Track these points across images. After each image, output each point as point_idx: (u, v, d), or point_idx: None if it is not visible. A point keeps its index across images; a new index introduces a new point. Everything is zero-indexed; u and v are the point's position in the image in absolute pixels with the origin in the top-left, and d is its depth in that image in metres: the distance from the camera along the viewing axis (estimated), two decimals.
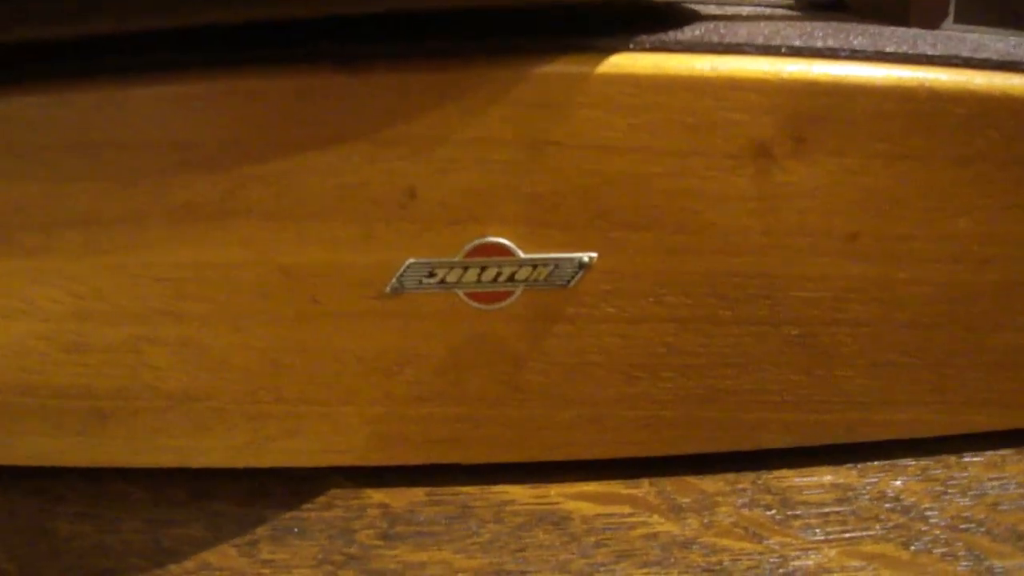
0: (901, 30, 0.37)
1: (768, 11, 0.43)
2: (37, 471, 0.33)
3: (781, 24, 0.36)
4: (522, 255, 0.29)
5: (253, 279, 0.30)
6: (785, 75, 0.29)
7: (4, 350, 0.31)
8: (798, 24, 0.36)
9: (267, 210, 0.29)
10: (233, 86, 0.28)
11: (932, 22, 0.40)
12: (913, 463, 0.35)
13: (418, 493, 0.32)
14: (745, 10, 0.41)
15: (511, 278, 0.30)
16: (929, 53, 0.31)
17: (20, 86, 0.28)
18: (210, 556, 0.31)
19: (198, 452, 0.32)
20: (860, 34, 0.34)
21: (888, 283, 0.32)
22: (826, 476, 0.34)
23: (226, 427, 0.32)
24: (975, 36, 0.37)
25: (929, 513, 0.32)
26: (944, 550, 0.31)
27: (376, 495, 0.32)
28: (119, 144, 0.28)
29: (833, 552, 0.31)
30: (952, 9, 0.40)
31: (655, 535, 0.31)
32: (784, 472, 0.34)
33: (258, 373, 0.31)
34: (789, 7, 0.48)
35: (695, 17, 0.35)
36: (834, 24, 0.37)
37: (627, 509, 0.32)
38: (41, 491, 0.33)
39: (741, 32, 0.33)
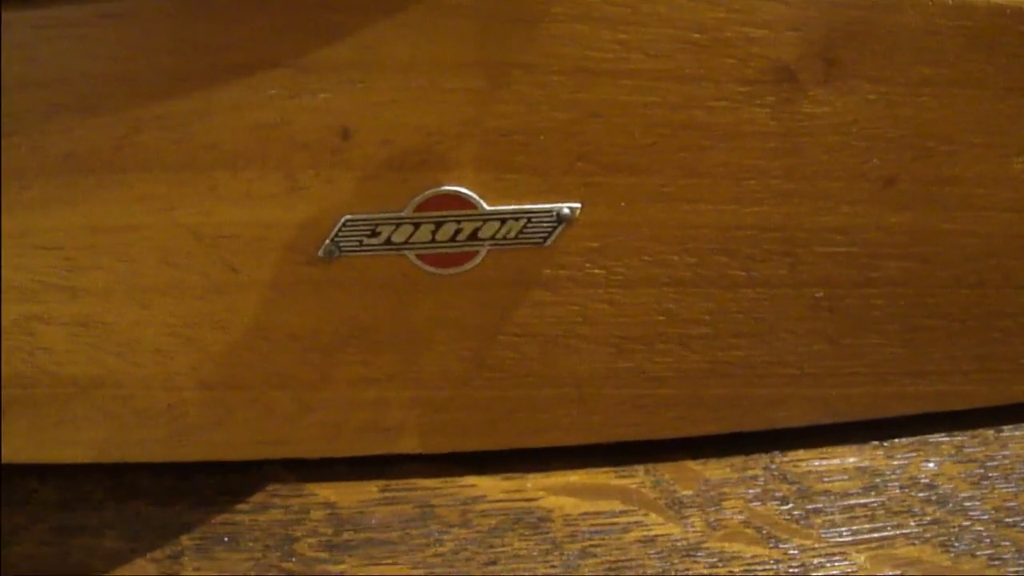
0: None
1: None
2: None
3: None
4: (486, 207, 0.24)
5: (156, 244, 0.24)
6: None
7: None
8: None
9: (168, 160, 0.23)
10: (119, 6, 0.22)
11: None
12: (947, 440, 0.30)
13: (370, 488, 0.27)
14: None
15: (473, 235, 0.24)
16: None
17: None
18: (125, 572, 0.26)
19: (110, 445, 0.27)
20: None
21: (929, 235, 0.27)
22: (849, 458, 0.29)
23: (139, 417, 0.27)
24: None
25: (969, 504, 0.28)
26: (990, 551, 0.26)
27: (321, 491, 0.27)
28: None
29: (862, 557, 0.26)
30: None
31: (652, 540, 0.26)
32: (800, 454, 0.29)
33: (172, 354, 0.26)
34: None
35: None
36: None
37: (618, 506, 0.27)
38: None
39: None
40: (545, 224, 0.24)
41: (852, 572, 0.25)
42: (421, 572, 0.25)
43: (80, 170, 0.24)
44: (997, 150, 0.26)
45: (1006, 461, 0.29)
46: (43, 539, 0.27)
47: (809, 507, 0.28)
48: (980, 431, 0.30)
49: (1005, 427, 0.30)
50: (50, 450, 0.28)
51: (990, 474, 0.29)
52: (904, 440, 0.30)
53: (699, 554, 0.26)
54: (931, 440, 0.30)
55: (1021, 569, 0.26)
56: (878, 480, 0.28)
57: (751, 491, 0.28)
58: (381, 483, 0.27)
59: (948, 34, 0.24)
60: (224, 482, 0.27)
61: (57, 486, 0.28)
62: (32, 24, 0.23)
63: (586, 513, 0.27)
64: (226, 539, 0.26)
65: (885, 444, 0.29)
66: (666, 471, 0.28)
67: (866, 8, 0.24)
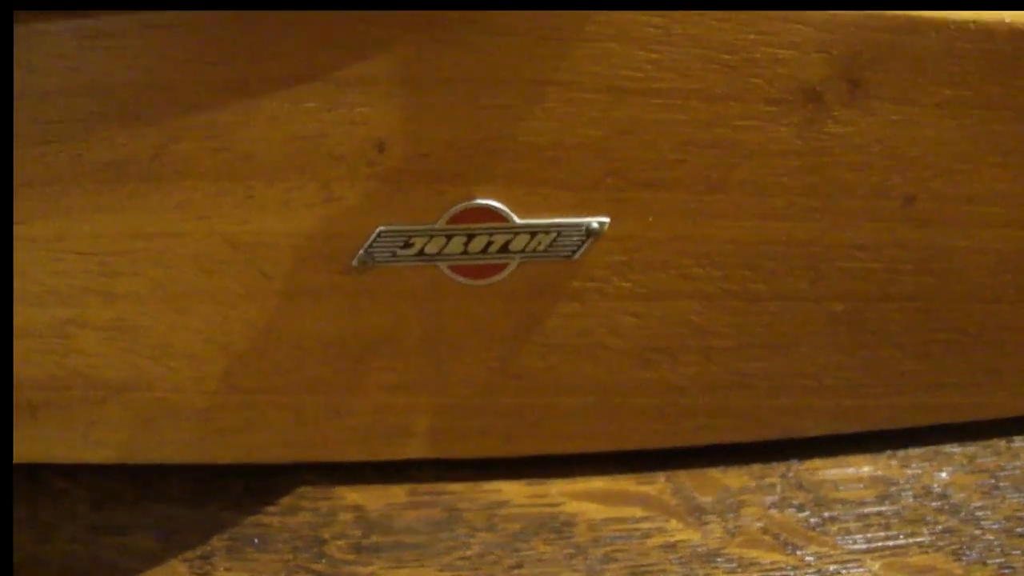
0: None
1: None
2: None
3: None
4: (517, 220, 0.24)
5: (192, 252, 0.25)
6: (845, 3, 0.24)
7: None
8: None
9: (206, 169, 0.24)
10: (161, 18, 0.23)
11: None
12: (959, 450, 0.30)
13: (397, 493, 0.28)
14: None
15: (504, 248, 0.25)
16: None
17: None
18: (158, 574, 0.26)
19: (143, 447, 0.28)
20: None
21: (947, 252, 0.27)
22: (864, 467, 0.30)
23: (172, 419, 0.27)
24: None
25: (981, 514, 0.28)
26: (1001, 560, 0.27)
27: (349, 495, 0.28)
28: (22, 93, 0.23)
29: (877, 565, 0.27)
30: None
31: (673, 546, 0.27)
32: (816, 463, 0.30)
33: (204, 359, 0.26)
34: None
35: None
36: None
37: (640, 512, 0.28)
38: None
39: None
40: (574, 238, 0.25)
41: None
42: (448, 575, 0.26)
43: (119, 178, 0.24)
44: (1014, 169, 0.26)
45: (1016, 472, 0.30)
46: (74, 538, 0.28)
47: (825, 515, 0.28)
48: (992, 441, 0.31)
49: (1016, 438, 0.31)
50: (83, 450, 0.28)
51: (1001, 484, 0.29)
52: (918, 450, 0.30)
53: (719, 560, 0.27)
54: (944, 450, 0.30)
55: None
56: (892, 489, 0.29)
57: (769, 499, 0.28)
58: (408, 487, 0.28)
59: (969, 56, 0.25)
60: (254, 484, 0.28)
61: (88, 486, 0.29)
62: (74, 33, 0.23)
63: (609, 519, 0.27)
64: (256, 540, 0.27)
65: (899, 454, 0.30)
66: (686, 478, 0.29)
67: (891, 31, 0.24)
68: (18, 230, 0.25)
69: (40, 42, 0.23)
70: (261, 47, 0.23)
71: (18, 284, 0.26)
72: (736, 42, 0.23)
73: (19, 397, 0.27)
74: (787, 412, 0.29)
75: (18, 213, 0.25)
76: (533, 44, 0.23)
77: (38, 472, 0.29)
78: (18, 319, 0.26)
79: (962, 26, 0.25)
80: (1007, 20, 0.25)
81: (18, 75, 0.23)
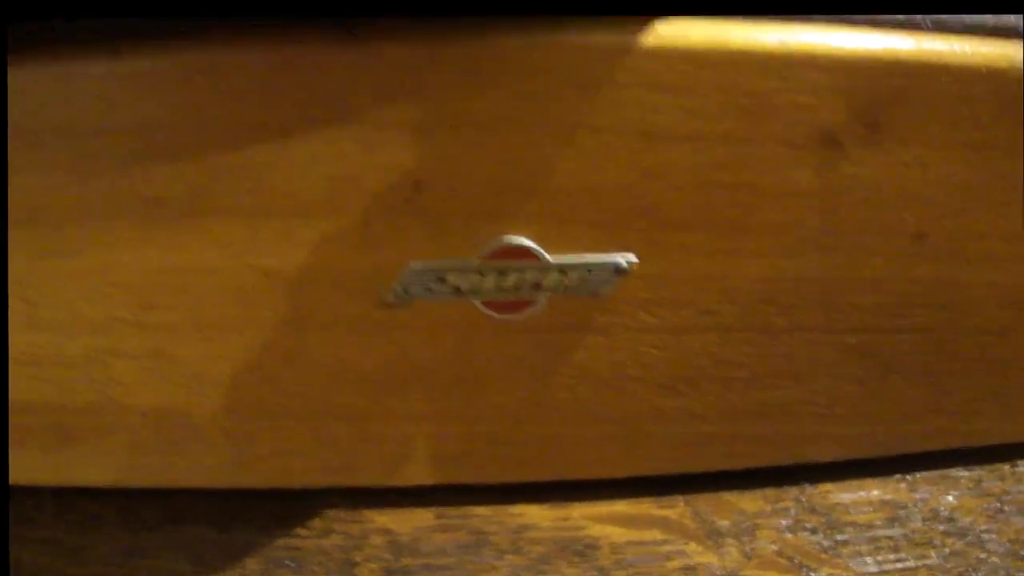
0: None
1: None
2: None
3: None
4: (549, 258, 0.25)
5: (229, 284, 0.26)
6: (860, 51, 0.25)
7: None
8: None
9: (245, 206, 0.25)
10: (201, 60, 0.24)
11: None
12: (965, 474, 0.31)
13: (426, 516, 0.29)
14: None
15: (536, 285, 0.25)
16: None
17: None
18: None
19: (176, 472, 0.29)
20: None
21: (956, 286, 0.28)
22: (874, 491, 0.31)
23: (204, 444, 0.28)
24: None
25: (986, 536, 0.29)
26: None
27: (379, 518, 0.29)
28: (67, 130, 0.24)
29: None
30: None
31: (693, 568, 0.28)
32: (829, 486, 0.31)
33: (238, 387, 0.27)
34: None
35: None
36: None
37: (660, 535, 0.29)
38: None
39: None
40: (603, 275, 0.25)
41: None
42: None
43: (158, 213, 0.25)
44: (1021, 206, 0.27)
45: (1021, 495, 0.31)
46: (107, 560, 0.28)
47: (838, 538, 0.29)
48: (997, 465, 0.32)
49: (1020, 462, 0.32)
50: (116, 475, 0.29)
51: (1006, 508, 0.31)
52: (926, 474, 0.31)
53: None
54: (951, 474, 0.31)
55: None
56: (901, 512, 0.30)
57: (783, 522, 0.29)
58: (435, 511, 0.29)
59: (981, 100, 0.26)
60: (285, 508, 0.29)
61: (121, 509, 0.29)
62: (115, 74, 0.24)
63: (630, 542, 0.28)
64: (289, 563, 0.28)
65: (908, 478, 0.31)
66: (704, 502, 0.30)
67: (908, 76, 0.25)
68: (57, 262, 0.26)
69: (82, 81, 0.24)
70: (299, 88, 0.24)
71: (54, 313, 0.26)
72: (759, 89, 0.24)
73: (53, 422, 0.28)
74: (801, 438, 0.30)
75: (58, 245, 0.25)
76: (567, 89, 0.24)
77: (71, 496, 0.29)
78: (54, 348, 0.27)
79: (975, 71, 0.26)
80: (1017, 64, 0.26)
81: (60, 112, 0.24)
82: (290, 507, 0.29)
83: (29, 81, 0.23)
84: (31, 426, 0.28)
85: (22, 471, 0.28)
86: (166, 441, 0.28)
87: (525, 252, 0.25)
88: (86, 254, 0.25)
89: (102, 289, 0.26)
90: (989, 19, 0.27)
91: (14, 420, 0.28)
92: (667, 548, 0.28)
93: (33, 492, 0.29)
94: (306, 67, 0.24)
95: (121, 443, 0.28)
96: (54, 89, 0.23)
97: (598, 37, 0.23)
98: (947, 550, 0.29)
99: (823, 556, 0.29)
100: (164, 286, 0.26)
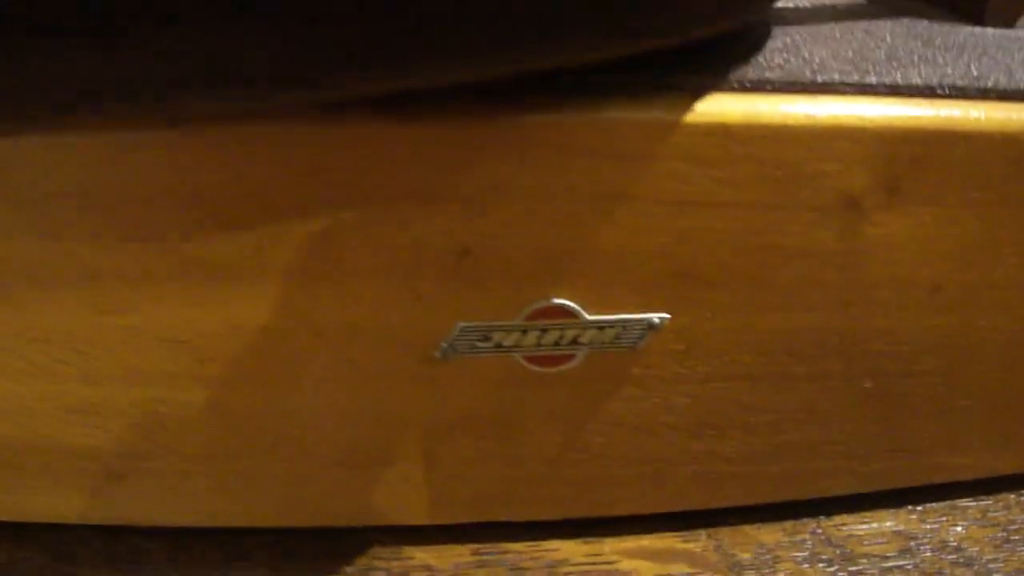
0: (983, 36, 0.34)
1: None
2: (52, 527, 0.30)
3: (859, 32, 0.32)
4: (587, 317, 0.27)
5: (284, 341, 0.27)
6: (883, 121, 0.26)
7: (9, 409, 0.28)
8: (875, 30, 0.33)
9: (301, 270, 0.26)
10: (262, 133, 0.25)
11: (1008, 20, 0.37)
12: (973, 504, 0.33)
13: (463, 552, 0.30)
14: (806, 1, 0.38)
15: (574, 341, 0.27)
16: None
17: (17, 128, 0.24)
18: None
19: (222, 512, 0.30)
20: (945, 47, 0.31)
21: (967, 332, 0.30)
22: (887, 522, 0.32)
23: (253, 487, 0.30)
24: None
25: (993, 566, 0.31)
26: None
27: (419, 554, 0.30)
28: (129, 195, 0.25)
29: None
30: None
31: None
32: (844, 518, 0.32)
33: (288, 435, 0.28)
34: None
35: (766, 26, 0.31)
36: (910, 27, 0.34)
37: (686, 568, 0.30)
38: (56, 548, 0.30)
39: (822, 52, 0.29)
40: (637, 331, 0.27)
41: None
42: None
43: (215, 276, 0.26)
44: None
45: None
46: None
47: (852, 569, 0.31)
48: (1003, 495, 0.34)
49: None
50: (162, 514, 0.30)
51: (1012, 538, 0.32)
52: (935, 505, 0.33)
53: None
54: (959, 505, 0.33)
55: None
56: (912, 544, 0.32)
57: (800, 554, 0.31)
58: (472, 547, 0.30)
59: (994, 163, 0.27)
60: (332, 546, 0.30)
61: (169, 547, 0.31)
62: (176, 144, 0.25)
63: None
64: None
65: (919, 509, 0.33)
66: (726, 535, 0.31)
67: (925, 143, 0.27)
68: (114, 319, 0.27)
69: (146, 149, 0.25)
70: (356, 161, 0.25)
71: (108, 366, 0.28)
72: (787, 159, 0.26)
73: (102, 466, 0.29)
74: (818, 474, 0.31)
75: (113, 304, 0.27)
76: (606, 162, 0.25)
77: (121, 533, 0.31)
78: (105, 396, 0.28)
79: (988, 136, 0.27)
80: None
81: (124, 179, 0.25)
82: (336, 545, 0.30)
83: (89, 147, 0.25)
84: (82, 469, 0.29)
85: (71, 512, 0.30)
86: (218, 484, 0.30)
87: (565, 311, 0.26)
88: (142, 312, 0.27)
89: (157, 345, 0.27)
90: (1001, 80, 0.28)
91: (66, 464, 0.29)
92: None
93: (76, 530, 0.31)
94: (363, 142, 0.25)
95: (171, 485, 0.30)
96: (114, 156, 0.25)
97: (635, 114, 0.25)
98: None
99: None
100: (218, 342, 0.27)
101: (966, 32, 0.35)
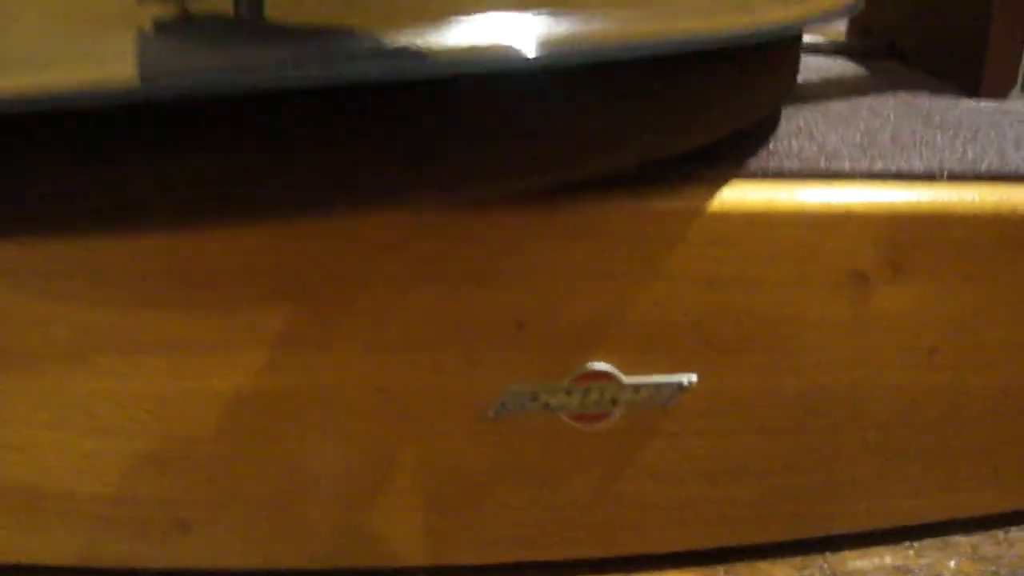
0: (978, 113, 0.37)
1: (835, 73, 0.43)
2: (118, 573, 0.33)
3: (864, 111, 0.36)
4: (625, 380, 0.30)
5: (350, 401, 0.30)
6: (889, 206, 0.29)
7: (86, 464, 0.31)
8: (879, 107, 0.36)
9: (368, 339, 0.29)
10: (333, 226, 0.28)
11: (1001, 92, 0.40)
12: (965, 540, 0.36)
13: None
14: (814, 78, 0.41)
15: (613, 401, 0.30)
16: (1020, 171, 0.31)
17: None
18: None
19: (285, 555, 0.33)
20: (943, 127, 0.34)
21: (960, 388, 0.33)
22: (886, 557, 0.36)
23: (314, 533, 0.32)
24: None
25: None
26: None
27: None
28: (212, 272, 0.28)
29: None
30: (1021, 79, 0.40)
31: None
32: (848, 554, 0.35)
33: (350, 485, 0.31)
34: (842, 46, 0.48)
35: (779, 110, 0.34)
36: (910, 103, 0.37)
37: None
38: None
39: (832, 137, 0.32)
40: (669, 392, 0.30)
41: None
42: None
43: (289, 344, 0.29)
44: (1018, 322, 0.32)
45: (1013, 560, 0.36)
46: None
47: None
48: (993, 531, 0.37)
49: (1012, 528, 0.37)
50: (227, 558, 0.33)
51: (1001, 571, 0.35)
52: (931, 541, 0.36)
53: None
54: (952, 541, 0.36)
55: None
56: None
57: None
58: None
59: (987, 241, 0.30)
60: None
61: None
62: (253, 234, 0.28)
63: None
64: None
65: (915, 545, 0.36)
66: (741, 570, 0.34)
67: (926, 224, 0.30)
68: (189, 384, 0.30)
69: (224, 240, 0.28)
70: (420, 244, 0.28)
71: (181, 426, 0.30)
72: (803, 240, 0.29)
73: (173, 515, 0.32)
74: (824, 514, 0.35)
75: (192, 371, 0.29)
76: (643, 244, 0.28)
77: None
78: (176, 455, 0.31)
79: (982, 217, 0.30)
80: (1019, 209, 0.30)
81: (206, 261, 0.28)
82: None
83: (173, 238, 0.27)
84: (152, 519, 0.31)
85: (139, 558, 0.32)
86: (279, 529, 0.32)
87: (605, 375, 0.30)
88: (218, 377, 0.29)
89: (231, 407, 0.30)
90: (994, 162, 0.32)
91: (137, 514, 0.31)
92: None
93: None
94: (433, 228, 0.28)
95: (235, 531, 0.32)
96: (200, 242, 0.27)
97: (669, 204, 0.28)
98: None
99: None
100: (289, 403, 0.30)
101: (963, 107, 0.38)
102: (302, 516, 0.32)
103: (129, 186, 0.21)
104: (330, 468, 0.31)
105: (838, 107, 0.36)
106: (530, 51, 0.19)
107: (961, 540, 0.36)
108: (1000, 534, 0.37)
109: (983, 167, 0.31)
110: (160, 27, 0.21)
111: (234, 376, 0.29)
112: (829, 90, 0.39)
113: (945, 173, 0.31)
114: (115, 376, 0.29)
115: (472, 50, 0.19)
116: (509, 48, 0.19)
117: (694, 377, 0.30)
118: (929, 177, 0.30)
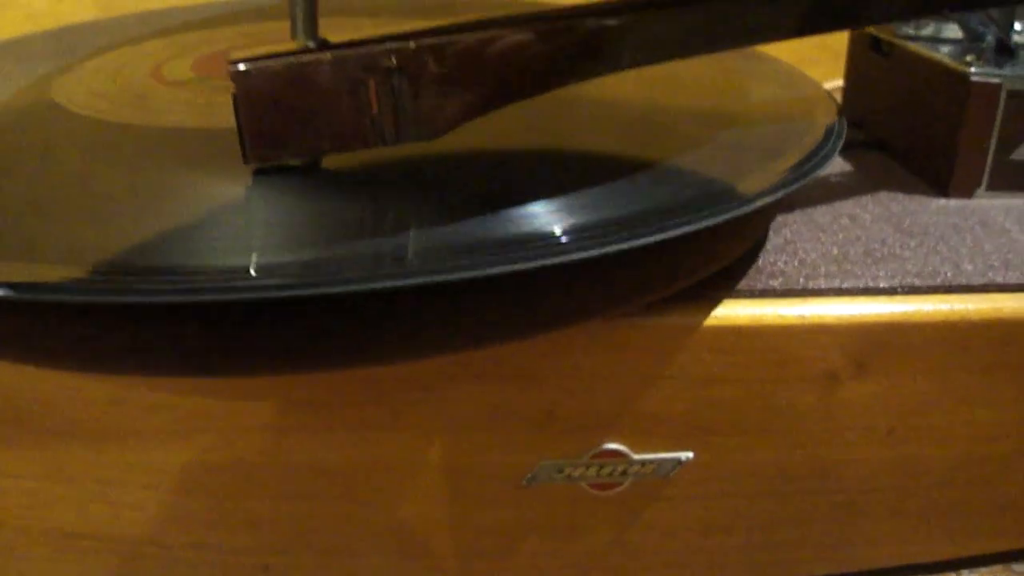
0: (944, 215, 0.43)
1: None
2: None
3: (844, 219, 0.42)
4: (634, 456, 0.36)
5: (410, 472, 0.36)
6: (856, 318, 0.36)
7: (181, 513, 0.37)
8: (858, 213, 0.42)
9: (428, 425, 0.35)
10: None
11: (968, 191, 0.46)
12: None
13: None
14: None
15: (623, 472, 0.37)
16: (970, 282, 0.38)
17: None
18: None
19: None
20: (912, 232, 0.40)
21: (916, 459, 0.39)
22: None
23: None
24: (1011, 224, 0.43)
25: None
26: None
27: None
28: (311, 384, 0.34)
29: None
30: (986, 179, 0.46)
31: None
32: None
33: (404, 538, 0.38)
34: None
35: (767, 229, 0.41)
36: (887, 206, 0.43)
37: None
38: None
39: (812, 254, 0.39)
40: (670, 465, 0.37)
41: None
42: None
43: (367, 427, 0.35)
44: (964, 405, 0.38)
45: None
46: None
47: None
48: (945, 574, 0.43)
49: (964, 571, 0.43)
50: None
51: None
52: None
53: None
54: None
55: None
56: None
57: None
58: None
59: (940, 341, 0.37)
60: None
61: None
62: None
63: None
64: None
65: None
66: None
67: (888, 333, 0.36)
68: (284, 458, 0.36)
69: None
70: (469, 355, 0.34)
71: (261, 488, 0.37)
72: (782, 347, 0.35)
73: (256, 561, 0.39)
74: (801, 561, 0.41)
75: (227, 450, 0.36)
76: (649, 353, 0.35)
77: None
78: (260, 510, 0.37)
79: (933, 325, 0.36)
80: (967, 317, 0.36)
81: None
82: None
83: None
84: (237, 564, 0.38)
85: None
86: (345, 573, 0.39)
87: (618, 453, 0.36)
88: (306, 451, 0.36)
89: (311, 475, 0.37)
90: (949, 274, 0.38)
91: (223, 559, 0.38)
92: None
93: None
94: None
95: (307, 574, 0.39)
96: None
97: (673, 320, 0.34)
98: None
99: None
100: (364, 474, 0.36)
101: (931, 210, 0.44)
102: (366, 564, 0.39)
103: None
104: (389, 523, 0.38)
105: (820, 215, 0.43)
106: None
107: None
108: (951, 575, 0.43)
109: (938, 280, 0.38)
110: None
111: (320, 451, 0.36)
112: (815, 196, 0.45)
113: (905, 288, 0.37)
114: (210, 451, 0.36)
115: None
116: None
117: (691, 454, 0.37)
118: (891, 292, 0.37)
